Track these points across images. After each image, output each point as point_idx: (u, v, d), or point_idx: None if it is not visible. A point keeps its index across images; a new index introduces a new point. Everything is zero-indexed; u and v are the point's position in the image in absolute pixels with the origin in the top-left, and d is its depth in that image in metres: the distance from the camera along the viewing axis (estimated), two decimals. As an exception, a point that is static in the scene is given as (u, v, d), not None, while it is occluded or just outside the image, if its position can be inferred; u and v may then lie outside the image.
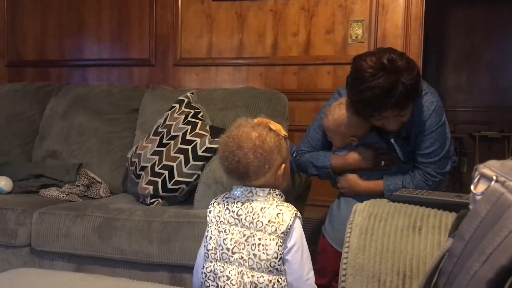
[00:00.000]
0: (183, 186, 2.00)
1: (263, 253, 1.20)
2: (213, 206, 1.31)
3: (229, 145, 1.25)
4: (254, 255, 1.21)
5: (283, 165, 1.29)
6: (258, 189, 1.26)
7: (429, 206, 1.01)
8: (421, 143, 1.69)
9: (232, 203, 1.28)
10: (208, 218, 1.31)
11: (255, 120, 1.31)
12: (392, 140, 1.73)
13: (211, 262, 1.27)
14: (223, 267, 1.24)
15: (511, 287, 0.47)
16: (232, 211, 1.26)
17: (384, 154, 1.74)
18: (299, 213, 1.25)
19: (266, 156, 1.24)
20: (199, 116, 2.19)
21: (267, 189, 1.26)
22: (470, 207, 0.63)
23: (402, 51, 2.44)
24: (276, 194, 1.27)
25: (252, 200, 1.25)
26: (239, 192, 1.28)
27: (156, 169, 2.04)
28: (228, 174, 1.29)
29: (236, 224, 1.25)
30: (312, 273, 1.26)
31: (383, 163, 1.73)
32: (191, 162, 1.98)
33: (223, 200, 1.30)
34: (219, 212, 1.28)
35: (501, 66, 5.30)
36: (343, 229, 1.50)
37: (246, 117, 1.34)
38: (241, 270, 1.22)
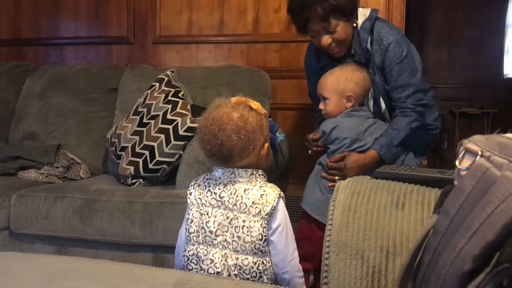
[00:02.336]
0: (165, 166, 1.98)
1: (247, 235, 1.19)
2: (193, 188, 1.28)
3: (210, 127, 1.21)
4: (238, 237, 1.19)
5: (266, 144, 1.28)
6: (241, 170, 1.24)
7: (412, 182, 1.01)
8: (390, 78, 1.77)
9: (214, 184, 1.25)
10: (188, 200, 1.28)
11: (233, 99, 1.27)
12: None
13: (193, 245, 1.25)
14: (206, 250, 1.23)
15: (497, 263, 0.46)
16: (214, 193, 1.24)
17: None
18: (282, 193, 1.24)
19: (250, 137, 1.21)
20: (179, 95, 2.15)
21: (250, 170, 1.24)
22: (455, 182, 0.62)
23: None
24: (259, 175, 1.26)
25: (235, 182, 1.23)
26: (220, 173, 1.26)
27: (137, 149, 2.01)
28: (210, 157, 1.26)
29: (219, 206, 1.23)
30: (296, 253, 1.26)
31: (310, 152, 1.84)
32: (172, 142, 1.95)
33: (204, 182, 1.28)
34: (200, 194, 1.26)
35: (482, 43, 5.33)
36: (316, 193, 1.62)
37: (224, 97, 1.30)
38: (225, 253, 1.21)
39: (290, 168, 2.34)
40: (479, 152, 0.58)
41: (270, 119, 2.12)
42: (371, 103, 1.84)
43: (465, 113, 5.28)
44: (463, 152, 0.62)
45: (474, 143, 0.61)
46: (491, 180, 0.52)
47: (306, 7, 1.70)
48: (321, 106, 1.82)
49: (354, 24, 1.79)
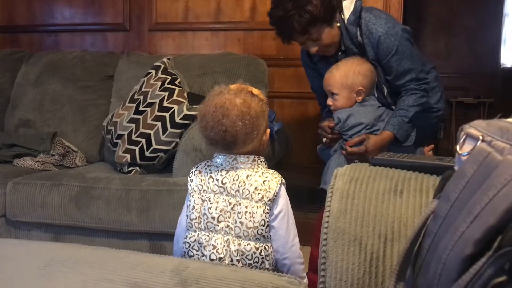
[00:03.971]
0: (161, 154, 1.97)
1: (250, 220, 1.19)
2: (194, 175, 1.28)
3: (214, 114, 1.21)
4: (241, 223, 1.20)
5: (268, 130, 1.28)
6: (243, 156, 1.24)
7: (410, 169, 1.01)
8: (389, 69, 1.76)
9: (215, 171, 1.25)
10: (189, 187, 1.28)
11: (233, 86, 1.27)
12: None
13: (195, 231, 1.25)
14: (208, 236, 1.23)
15: (499, 247, 0.46)
16: (216, 180, 1.24)
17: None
18: (283, 179, 1.24)
19: (254, 122, 1.21)
20: (176, 82, 2.14)
21: (252, 156, 1.24)
22: (456, 168, 0.62)
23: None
24: (261, 161, 1.26)
25: (236, 168, 1.23)
26: (221, 160, 1.26)
27: (133, 137, 2.00)
28: (213, 145, 1.25)
29: (221, 193, 1.23)
30: (297, 239, 1.26)
31: (324, 140, 1.81)
32: (169, 129, 1.95)
33: (205, 169, 1.28)
34: (201, 181, 1.26)
35: (479, 32, 5.32)
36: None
37: (224, 84, 1.30)
38: (227, 239, 1.21)
39: (287, 156, 2.34)
40: (480, 137, 0.57)
41: (267, 107, 2.11)
42: (373, 89, 1.83)
43: (461, 102, 5.28)
44: (463, 137, 0.61)
45: (475, 128, 0.60)
46: (493, 164, 0.52)
47: (284, 22, 1.71)
48: (329, 101, 1.80)
49: (338, 24, 1.76)
